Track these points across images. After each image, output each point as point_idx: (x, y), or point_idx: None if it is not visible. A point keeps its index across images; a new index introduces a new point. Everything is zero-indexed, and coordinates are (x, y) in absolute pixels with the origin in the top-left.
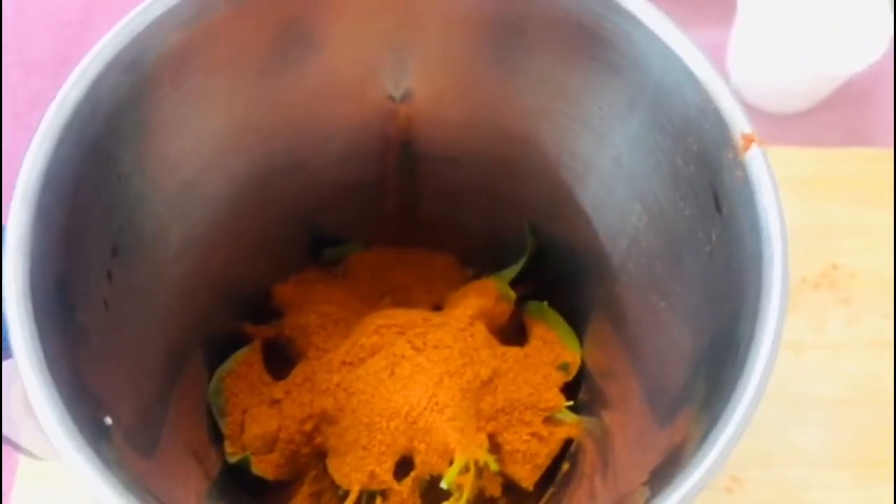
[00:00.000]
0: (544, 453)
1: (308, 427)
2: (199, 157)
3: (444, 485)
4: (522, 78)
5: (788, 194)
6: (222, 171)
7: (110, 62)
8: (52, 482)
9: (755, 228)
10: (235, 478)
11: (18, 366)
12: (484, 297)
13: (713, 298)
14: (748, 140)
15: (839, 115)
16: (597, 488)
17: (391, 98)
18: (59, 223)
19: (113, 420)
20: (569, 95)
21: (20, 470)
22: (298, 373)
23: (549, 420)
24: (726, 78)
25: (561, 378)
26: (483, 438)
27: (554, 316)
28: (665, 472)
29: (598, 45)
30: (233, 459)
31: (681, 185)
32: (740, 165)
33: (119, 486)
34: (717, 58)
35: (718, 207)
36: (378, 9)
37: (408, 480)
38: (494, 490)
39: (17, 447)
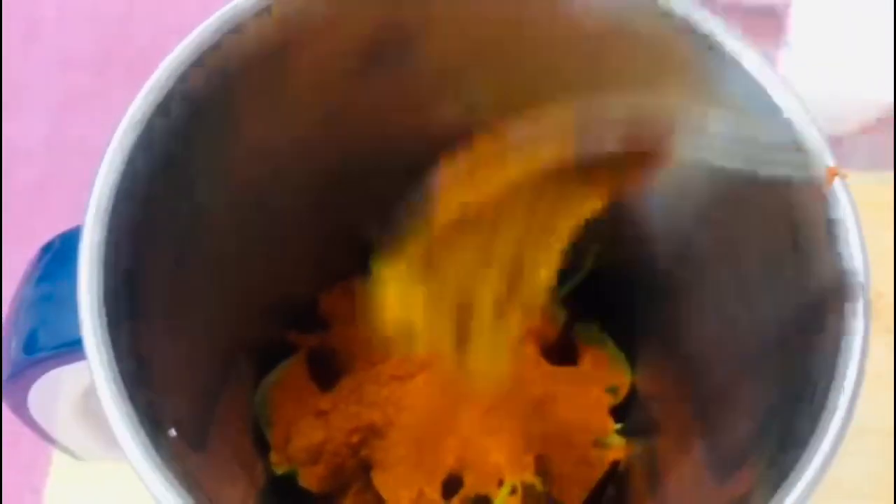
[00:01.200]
0: (591, 476)
1: (355, 440)
2: (266, 166)
3: None
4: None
5: None
6: (285, 181)
7: (186, 71)
8: (87, 483)
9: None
10: (281, 489)
11: (90, 363)
12: (532, 317)
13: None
14: (832, 174)
15: (887, 139)
16: None
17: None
18: (129, 231)
19: (172, 426)
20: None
21: (53, 471)
22: (345, 385)
23: (598, 443)
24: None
25: (610, 401)
26: (530, 460)
27: (603, 337)
28: None
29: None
30: (279, 471)
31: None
32: (822, 199)
33: (178, 483)
34: None
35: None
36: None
37: (455, 501)
38: None
39: (61, 447)
